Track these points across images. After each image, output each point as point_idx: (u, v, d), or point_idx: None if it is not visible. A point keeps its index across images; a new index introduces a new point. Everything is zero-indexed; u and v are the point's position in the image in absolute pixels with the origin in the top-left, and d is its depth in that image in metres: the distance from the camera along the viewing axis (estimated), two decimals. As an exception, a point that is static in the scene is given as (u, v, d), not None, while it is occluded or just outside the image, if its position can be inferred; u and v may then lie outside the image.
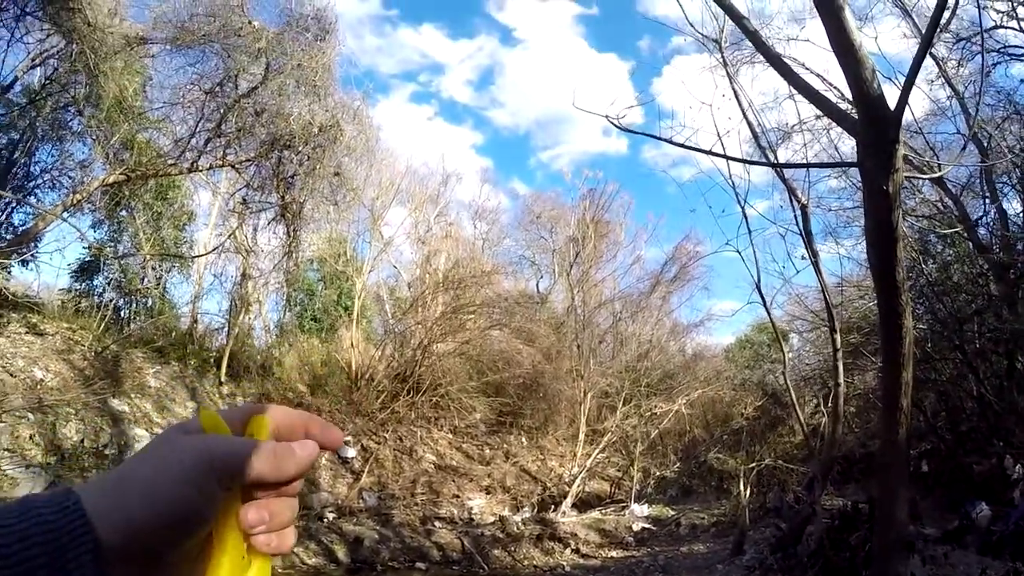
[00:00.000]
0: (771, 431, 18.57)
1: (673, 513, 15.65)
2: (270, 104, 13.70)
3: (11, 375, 11.27)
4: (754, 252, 13.14)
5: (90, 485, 0.57)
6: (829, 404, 12.94)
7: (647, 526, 14.94)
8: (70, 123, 15.16)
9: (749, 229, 12.89)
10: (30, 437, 10.12)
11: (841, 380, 10.89)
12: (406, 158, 29.37)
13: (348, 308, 20.38)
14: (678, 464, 18.58)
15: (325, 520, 12.82)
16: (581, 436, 18.13)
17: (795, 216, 11.66)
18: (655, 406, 17.75)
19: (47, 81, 14.32)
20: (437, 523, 14.00)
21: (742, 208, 12.67)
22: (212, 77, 13.58)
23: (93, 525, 0.53)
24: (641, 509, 15.71)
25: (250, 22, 12.77)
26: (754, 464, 14.63)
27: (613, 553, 13.75)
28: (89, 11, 11.45)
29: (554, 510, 15.22)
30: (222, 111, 13.58)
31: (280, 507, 0.66)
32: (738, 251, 13.29)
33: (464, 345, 18.52)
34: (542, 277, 29.07)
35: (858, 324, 15.32)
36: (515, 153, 61.33)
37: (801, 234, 11.68)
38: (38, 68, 13.92)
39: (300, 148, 13.80)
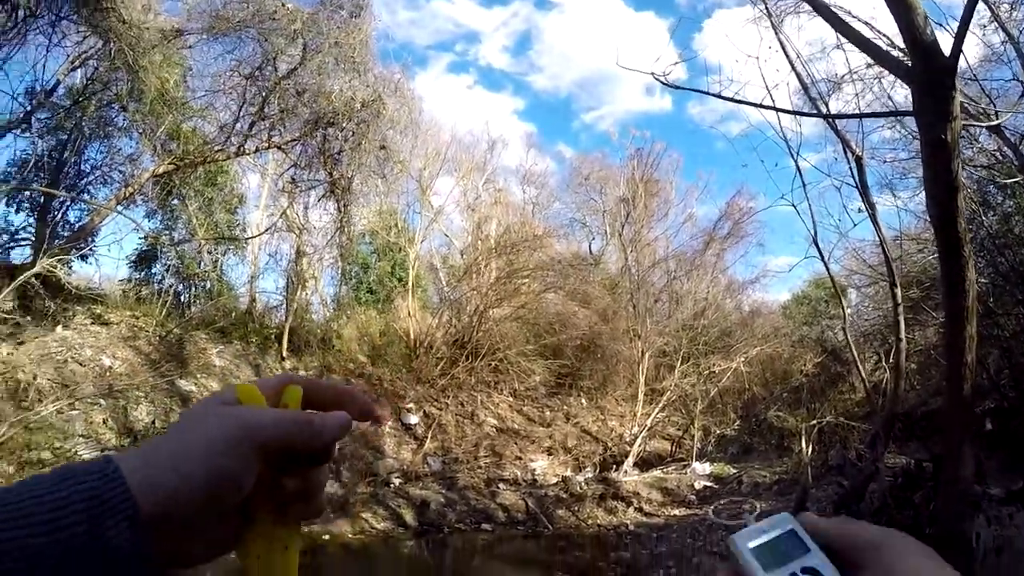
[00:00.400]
0: (831, 388, 18.23)
1: (734, 471, 15.50)
2: (311, 83, 13.87)
3: (80, 364, 11.66)
4: (809, 206, 12.78)
5: (129, 454, 0.58)
6: (890, 360, 12.61)
7: (709, 484, 14.85)
8: (115, 119, 15.50)
9: (803, 182, 12.57)
10: (103, 422, 10.47)
11: (903, 335, 10.63)
12: (450, 127, 29.27)
13: (403, 279, 20.50)
14: (738, 422, 18.31)
15: (392, 486, 12.99)
16: (640, 396, 18.01)
17: (849, 168, 11.31)
18: (713, 364, 17.58)
19: (89, 81, 14.59)
20: (501, 485, 14.11)
21: (795, 161, 12.34)
22: (251, 62, 13.80)
23: (132, 492, 0.54)
24: (702, 467, 15.62)
25: (284, 4, 12.91)
26: (815, 421, 14.35)
27: (676, 511, 13.71)
28: (123, 9, 11.66)
29: (616, 470, 15.18)
30: (264, 94, 13.79)
31: (312, 475, 0.67)
32: (793, 205, 12.95)
33: (520, 309, 18.49)
34: (594, 238, 28.67)
35: (918, 278, 14.89)
36: (558, 116, 60.53)
37: (856, 186, 11.39)
38: (79, 69, 14.18)
39: (344, 124, 13.98)
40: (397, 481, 13.26)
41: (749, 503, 0.74)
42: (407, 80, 15.43)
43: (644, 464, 16.08)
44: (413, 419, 15.24)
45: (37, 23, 11.91)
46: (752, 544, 0.66)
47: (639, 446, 16.02)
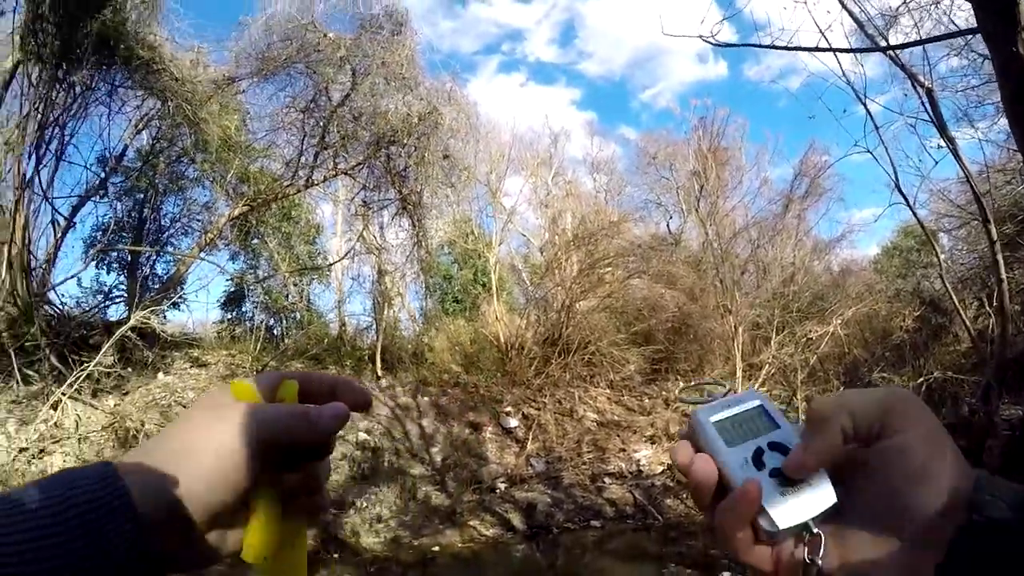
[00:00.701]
0: (934, 341, 17.37)
1: None
2: (365, 106, 14.07)
3: (184, 407, 12.04)
4: (885, 149, 12.20)
5: (128, 459, 0.58)
6: (994, 303, 11.96)
7: None
8: (186, 172, 16.17)
9: (875, 125, 12.05)
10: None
11: (1003, 275, 10.08)
12: (510, 127, 29.37)
13: (486, 284, 20.70)
14: (841, 388, 17.63)
15: (497, 491, 13.00)
16: (739, 372, 17.52)
17: (921, 103, 10.73)
18: (809, 331, 17.03)
19: (154, 140, 15.19)
20: (607, 479, 13.95)
21: (863, 104, 11.86)
22: (304, 96, 14.13)
23: (132, 495, 0.54)
24: None
25: (325, 35, 13.14)
26: (921, 379, 13.75)
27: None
28: (173, 68, 12.07)
29: (721, 451, 14.84)
30: (322, 124, 14.09)
31: (314, 470, 0.68)
32: (868, 151, 12.41)
33: (606, 299, 18.24)
34: (671, 217, 28.09)
35: (1010, 212, 14.04)
36: (615, 100, 60.44)
37: (932, 121, 10.84)
38: (143, 131, 14.70)
39: (405, 141, 14.12)
40: (502, 486, 13.27)
41: (719, 383, 0.71)
42: (459, 87, 15.49)
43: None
44: (513, 422, 15.23)
45: (95, 95, 12.41)
46: (715, 418, 0.64)
47: (743, 424, 15.60)
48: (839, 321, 16.69)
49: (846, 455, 0.60)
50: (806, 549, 0.58)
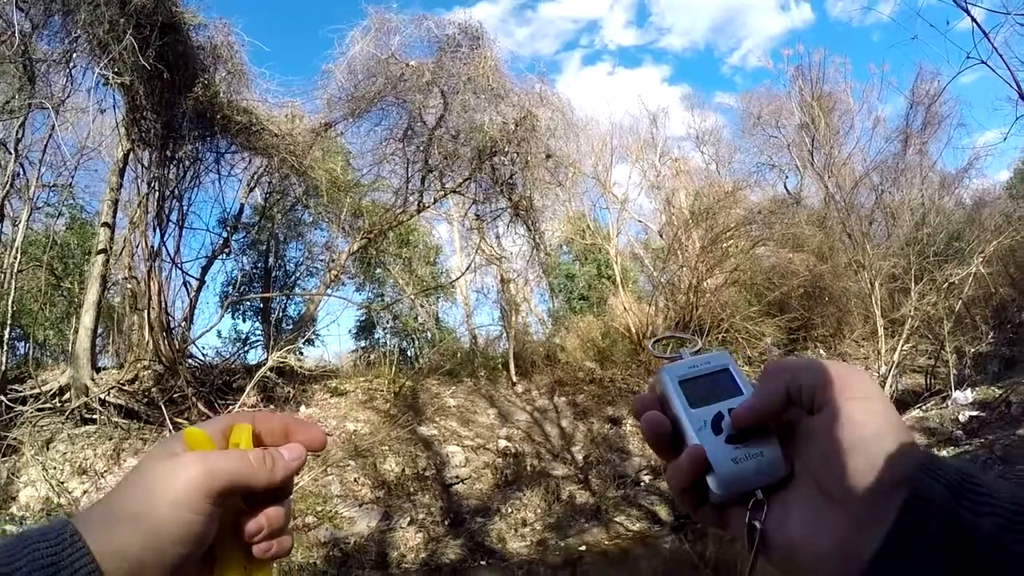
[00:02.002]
0: (1093, 265, 16.02)
1: (1000, 392, 13.85)
2: (461, 124, 14.45)
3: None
4: (1000, 56, 11.33)
5: (84, 516, 0.58)
6: None
7: (974, 413, 13.29)
8: (302, 217, 17.43)
9: (984, 32, 11.14)
10: (355, 480, 11.39)
11: None
12: (607, 117, 28.85)
13: (610, 276, 20.56)
14: (992, 334, 16.41)
15: (642, 484, 12.99)
16: (880, 331, 16.54)
17: (1026, -5, 10.02)
18: (949, 275, 15.99)
19: (267, 195, 16.27)
20: (753, 463, 13.68)
21: (966, 11, 11.02)
22: (400, 126, 14.68)
23: (94, 556, 0.54)
24: (964, 396, 14.02)
25: (408, 64, 13.58)
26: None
27: (944, 452, 12.51)
28: (271, 126, 12.93)
29: (869, 417, 14.16)
30: (423, 149, 14.59)
31: (276, 513, 0.66)
32: (983, 61, 11.50)
33: (733, 273, 17.75)
34: (787, 177, 26.57)
35: None
36: (705, 68, 58.86)
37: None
38: (255, 188, 15.75)
39: (506, 149, 14.40)
40: (647, 479, 13.22)
41: (692, 339, 0.76)
42: (549, 87, 15.52)
43: (900, 405, 14.74)
44: (652, 412, 15.13)
45: (204, 165, 13.37)
46: (681, 376, 0.67)
47: (890, 386, 14.79)
48: (980, 259, 15.55)
49: (794, 419, 0.63)
50: (748, 514, 0.61)
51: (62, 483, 9.81)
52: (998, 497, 0.51)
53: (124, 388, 11.74)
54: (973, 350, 15.78)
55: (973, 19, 10.64)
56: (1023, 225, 17.53)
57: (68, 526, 0.55)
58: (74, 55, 10.70)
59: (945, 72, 19.27)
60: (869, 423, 0.57)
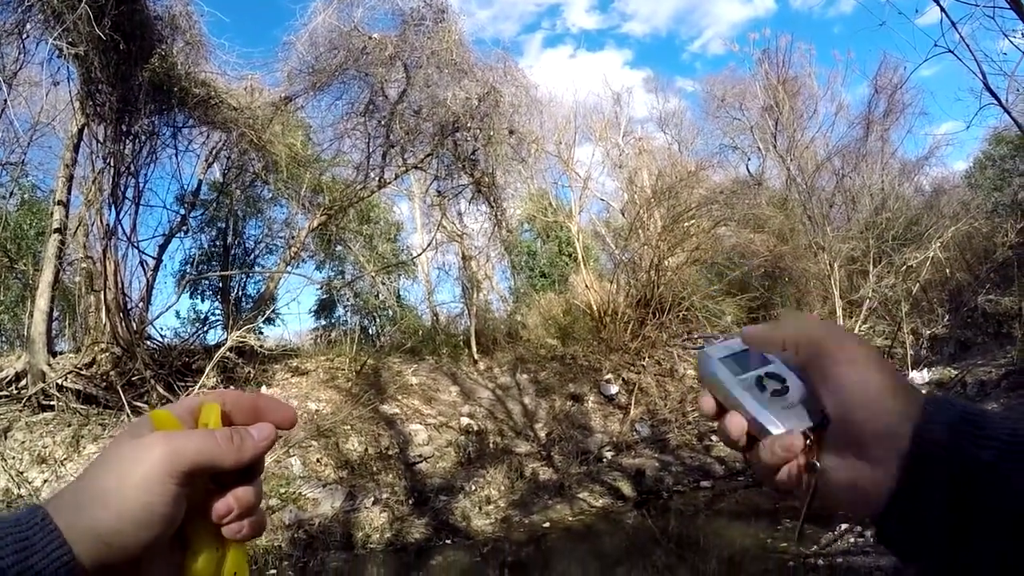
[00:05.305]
0: (1043, 254, 16.39)
1: (956, 373, 14.19)
2: (424, 99, 14.19)
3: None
4: (967, 45, 11.46)
5: (54, 501, 0.58)
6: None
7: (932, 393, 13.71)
8: (261, 194, 16.93)
9: (952, 21, 11.26)
10: (317, 460, 11.21)
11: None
12: (571, 95, 28.82)
13: (571, 254, 20.61)
14: (947, 317, 16.81)
15: (604, 460, 13.04)
16: (838, 311, 16.83)
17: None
18: (907, 258, 16.30)
19: (226, 171, 15.84)
20: (714, 437, 13.68)
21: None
22: (361, 100, 14.31)
23: (65, 539, 0.54)
24: (921, 375, 14.39)
25: (370, 37, 13.26)
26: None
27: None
28: (229, 99, 12.49)
29: (829, 398, 14.36)
30: (385, 124, 14.27)
31: (245, 493, 0.65)
32: (950, 50, 11.59)
33: (694, 252, 17.83)
34: (749, 159, 27.34)
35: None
36: (666, 55, 59.32)
37: (1011, 6, 10.16)
38: (214, 164, 15.32)
39: (469, 125, 14.18)
40: (609, 455, 13.28)
41: (714, 335, 0.80)
42: (513, 63, 15.37)
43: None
44: (613, 389, 15.15)
45: (161, 140, 12.89)
46: (720, 356, 0.74)
47: (847, 365, 15.05)
48: (938, 244, 15.88)
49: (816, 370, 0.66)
50: (803, 459, 0.65)
51: (21, 473, 9.49)
52: (997, 430, 0.55)
53: (82, 372, 11.37)
54: (930, 332, 16.18)
55: (942, 7, 10.64)
56: (980, 213, 17.95)
57: (39, 510, 0.55)
58: (27, 25, 10.23)
59: (911, 60, 19.51)
60: (866, 376, 0.61)
